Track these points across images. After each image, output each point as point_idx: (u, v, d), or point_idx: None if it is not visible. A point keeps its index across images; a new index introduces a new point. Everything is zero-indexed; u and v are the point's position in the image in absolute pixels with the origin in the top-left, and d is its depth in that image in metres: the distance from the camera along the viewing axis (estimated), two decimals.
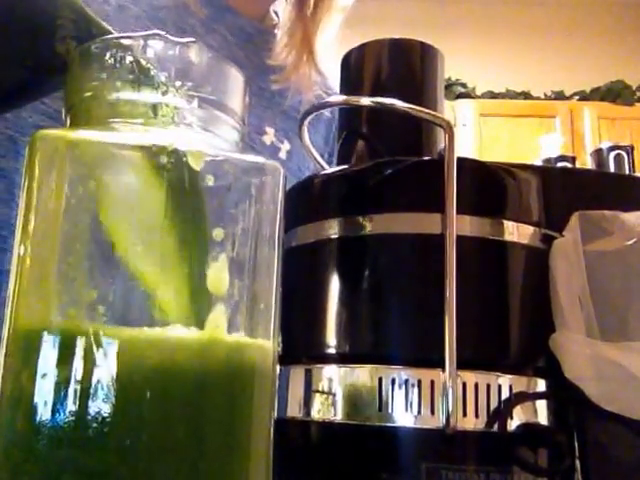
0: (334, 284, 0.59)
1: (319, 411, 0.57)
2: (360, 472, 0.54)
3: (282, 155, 1.21)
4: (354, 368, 0.56)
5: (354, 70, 0.72)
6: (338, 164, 0.69)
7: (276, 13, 1.32)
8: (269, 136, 1.21)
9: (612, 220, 0.58)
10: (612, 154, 3.23)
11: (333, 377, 0.57)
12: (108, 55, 0.44)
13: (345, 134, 0.70)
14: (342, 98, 0.73)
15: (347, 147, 0.70)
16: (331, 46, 1.29)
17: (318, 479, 0.56)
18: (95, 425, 0.37)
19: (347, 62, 0.73)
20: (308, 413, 0.58)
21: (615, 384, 0.54)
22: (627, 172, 3.11)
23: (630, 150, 3.26)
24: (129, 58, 0.44)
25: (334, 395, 0.57)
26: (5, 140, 1.07)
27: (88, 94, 0.45)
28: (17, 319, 0.40)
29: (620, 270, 0.57)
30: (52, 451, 0.37)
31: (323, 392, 0.57)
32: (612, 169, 3.15)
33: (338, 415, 0.56)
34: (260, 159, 0.46)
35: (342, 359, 0.58)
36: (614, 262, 0.57)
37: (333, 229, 0.59)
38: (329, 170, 0.69)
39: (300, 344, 0.61)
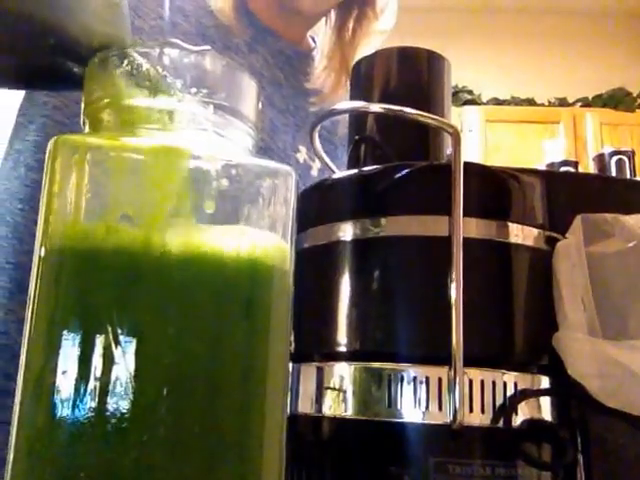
0: (345, 284, 0.59)
1: (330, 407, 0.57)
2: (370, 466, 0.54)
3: (314, 172, 1.22)
4: (364, 366, 0.56)
5: (364, 78, 0.72)
6: (349, 168, 0.69)
7: (313, 39, 1.33)
8: (302, 154, 1.22)
9: (613, 223, 0.57)
10: (614, 159, 3.22)
11: (344, 374, 0.57)
12: (125, 62, 0.44)
13: (355, 139, 0.70)
14: (353, 105, 0.73)
15: (357, 152, 0.70)
16: None
17: (329, 473, 0.56)
18: (114, 420, 0.37)
19: (357, 70, 0.73)
20: (320, 409, 0.58)
21: (616, 381, 0.53)
22: (628, 176, 3.10)
23: (631, 155, 3.25)
24: (146, 65, 0.44)
25: (345, 392, 0.57)
26: None
27: (106, 100, 0.45)
28: (37, 318, 0.40)
29: (621, 271, 0.57)
30: (71, 446, 0.37)
31: (334, 389, 0.57)
32: (614, 173, 3.13)
33: (349, 411, 0.56)
34: (272, 163, 0.46)
35: (353, 357, 0.58)
36: (615, 263, 0.57)
37: (344, 231, 0.59)
38: (340, 174, 0.69)
39: (312, 343, 0.61)
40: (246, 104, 0.47)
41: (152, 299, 0.39)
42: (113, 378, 0.37)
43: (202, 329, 0.40)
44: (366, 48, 1.25)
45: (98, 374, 0.37)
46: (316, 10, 1.18)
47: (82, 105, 0.47)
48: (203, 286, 0.41)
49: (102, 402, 0.37)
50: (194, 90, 0.44)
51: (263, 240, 0.43)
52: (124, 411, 0.37)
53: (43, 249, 0.41)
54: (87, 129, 0.47)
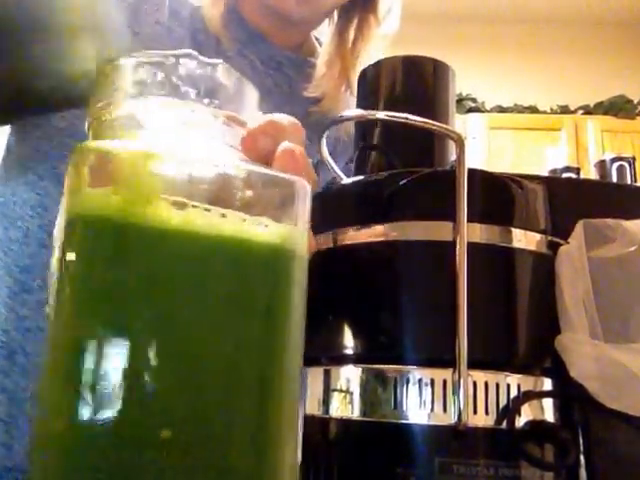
0: (351, 289, 0.59)
1: (337, 409, 0.57)
2: (376, 466, 0.54)
3: None
4: (370, 368, 0.57)
5: (370, 86, 0.72)
6: (355, 175, 0.70)
7: (318, 40, 1.31)
8: None
9: (615, 228, 0.57)
10: (615, 165, 3.22)
11: (351, 377, 0.57)
12: (141, 71, 0.44)
13: (361, 147, 0.71)
14: (359, 112, 0.73)
15: (363, 159, 0.70)
16: None
17: (337, 473, 0.57)
18: (138, 420, 0.37)
19: (363, 78, 0.73)
20: (327, 411, 0.58)
21: (618, 383, 0.53)
22: (629, 182, 3.10)
23: (632, 161, 3.25)
24: (160, 75, 0.44)
25: (352, 394, 0.57)
26: None
27: (115, 108, 0.45)
28: (60, 320, 0.39)
29: (622, 275, 0.57)
30: (93, 447, 0.37)
31: (341, 391, 0.57)
32: (615, 179, 3.13)
33: (355, 413, 0.56)
34: (285, 175, 0.45)
35: (359, 360, 0.58)
36: (616, 268, 0.57)
37: (350, 237, 0.59)
38: (346, 181, 0.69)
39: (319, 346, 0.61)
40: (251, 116, 0.47)
41: (171, 295, 0.39)
42: (136, 377, 0.37)
43: (225, 324, 0.40)
44: (368, 54, 1.23)
45: (121, 373, 0.37)
46: (305, 16, 1.16)
47: (89, 112, 0.47)
48: (228, 277, 0.41)
49: (128, 401, 0.37)
50: (207, 101, 0.44)
51: (286, 230, 0.43)
52: (147, 410, 0.37)
53: (68, 255, 0.40)
54: (91, 137, 0.46)
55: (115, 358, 0.37)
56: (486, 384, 0.54)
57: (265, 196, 0.43)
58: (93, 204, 0.39)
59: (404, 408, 0.54)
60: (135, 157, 0.40)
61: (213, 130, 0.45)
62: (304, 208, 0.45)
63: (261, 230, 0.42)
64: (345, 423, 0.57)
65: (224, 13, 1.15)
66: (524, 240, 0.57)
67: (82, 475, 0.37)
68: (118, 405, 0.36)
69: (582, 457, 0.54)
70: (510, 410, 0.53)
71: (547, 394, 0.56)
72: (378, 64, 0.71)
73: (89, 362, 0.37)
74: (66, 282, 0.39)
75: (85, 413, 0.36)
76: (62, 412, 0.37)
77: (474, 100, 5.20)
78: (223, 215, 0.40)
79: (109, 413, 0.36)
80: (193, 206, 0.39)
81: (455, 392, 0.53)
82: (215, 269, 0.40)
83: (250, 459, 0.40)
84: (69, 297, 0.39)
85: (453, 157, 0.59)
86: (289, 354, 0.43)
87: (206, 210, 0.40)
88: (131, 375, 0.37)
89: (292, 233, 0.44)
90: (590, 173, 4.08)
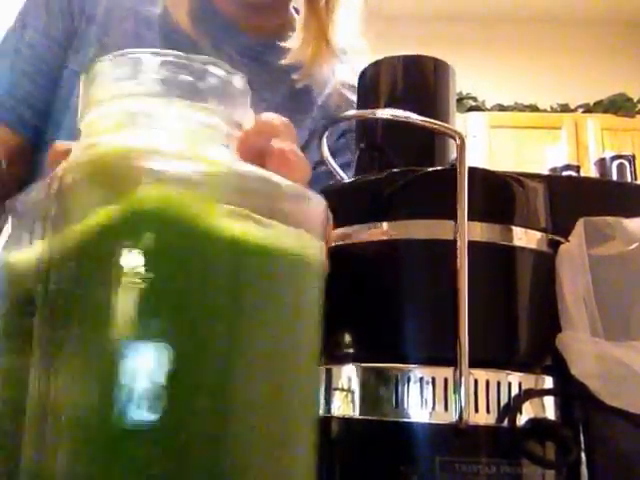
0: (352, 288, 0.59)
1: (339, 408, 0.57)
2: (378, 465, 0.54)
3: None
4: (371, 367, 0.57)
5: (370, 85, 0.72)
6: (355, 174, 0.69)
7: (297, 11, 1.28)
8: None
9: (615, 226, 0.57)
10: (615, 163, 3.23)
11: (352, 376, 0.57)
12: (164, 70, 0.43)
13: (362, 146, 0.70)
14: (359, 111, 0.73)
15: (364, 158, 0.70)
16: (359, 37, 1.26)
17: (338, 472, 0.56)
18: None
19: (363, 78, 0.73)
20: (329, 410, 0.58)
21: (618, 381, 0.53)
22: (629, 180, 3.10)
23: (632, 159, 3.25)
24: (150, 74, 0.43)
25: (353, 393, 0.57)
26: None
27: (107, 106, 0.44)
28: (93, 328, 0.39)
29: (622, 273, 0.57)
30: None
31: (343, 390, 0.57)
32: (615, 177, 3.14)
33: (357, 411, 0.56)
34: (302, 187, 0.45)
35: (360, 358, 0.58)
36: (617, 266, 0.57)
37: (350, 235, 0.59)
38: (347, 180, 0.69)
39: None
40: (245, 115, 0.47)
41: (206, 296, 0.38)
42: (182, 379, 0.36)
43: (279, 333, 0.40)
44: (344, 8, 1.21)
45: (168, 375, 0.36)
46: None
47: (79, 111, 0.46)
48: (288, 289, 0.41)
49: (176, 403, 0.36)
50: (199, 100, 0.44)
51: (309, 240, 0.43)
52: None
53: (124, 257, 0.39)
54: (83, 134, 0.46)
55: (163, 361, 0.36)
56: (487, 382, 0.54)
57: (296, 210, 0.43)
58: (158, 205, 0.38)
59: (405, 407, 0.54)
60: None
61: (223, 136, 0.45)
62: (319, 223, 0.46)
63: (311, 243, 0.43)
64: (346, 422, 0.57)
65: (196, 9, 1.15)
66: (525, 238, 0.57)
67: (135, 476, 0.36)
68: (166, 406, 0.36)
69: (583, 455, 0.54)
70: (511, 408, 0.53)
71: (548, 392, 0.56)
72: (378, 63, 0.71)
73: (142, 363, 0.36)
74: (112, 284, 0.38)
75: (136, 414, 0.36)
76: (108, 415, 0.37)
77: (474, 99, 5.20)
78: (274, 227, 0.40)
79: (155, 415, 0.36)
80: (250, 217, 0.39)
81: (456, 390, 0.53)
82: (275, 281, 0.40)
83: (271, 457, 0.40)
84: (117, 301, 0.38)
85: (454, 156, 0.59)
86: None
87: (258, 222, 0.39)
88: (177, 377, 0.36)
89: (322, 247, 0.45)
90: (590, 171, 4.08)
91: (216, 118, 0.44)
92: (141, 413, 0.36)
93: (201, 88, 0.44)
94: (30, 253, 0.40)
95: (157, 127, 0.43)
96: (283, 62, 1.19)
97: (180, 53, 0.44)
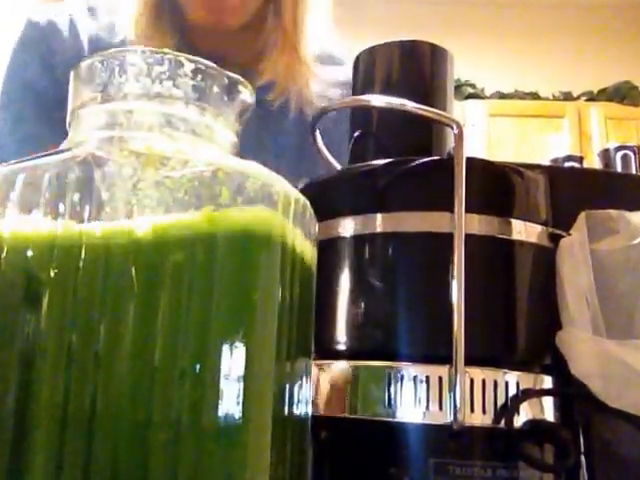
0: (345, 282, 0.59)
1: (329, 407, 0.57)
2: (368, 467, 0.54)
3: None
4: (363, 364, 0.56)
5: (365, 71, 0.72)
6: (350, 163, 0.69)
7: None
8: None
9: (618, 219, 0.57)
10: (619, 154, 3.22)
11: (342, 373, 0.57)
12: (199, 77, 0.45)
13: (356, 134, 0.70)
14: (353, 99, 0.73)
15: (358, 147, 0.70)
16: (328, 34, 1.24)
17: (327, 473, 0.56)
18: None
19: (358, 63, 0.72)
20: (318, 409, 0.58)
21: (621, 381, 0.53)
22: (634, 172, 3.10)
23: (637, 150, 3.24)
24: (140, 69, 0.44)
25: (344, 391, 0.57)
26: None
27: (94, 104, 0.45)
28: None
29: (626, 269, 0.57)
30: None
31: (332, 388, 0.57)
32: (619, 169, 3.14)
33: (347, 411, 0.56)
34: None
35: (352, 355, 0.58)
36: (620, 261, 0.57)
37: (343, 227, 0.59)
38: (340, 169, 0.69)
39: None
40: (230, 111, 0.48)
41: None
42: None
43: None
44: (312, 14, 1.19)
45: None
46: (237, 20, 1.13)
47: (69, 108, 0.47)
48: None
49: None
50: (186, 96, 0.45)
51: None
52: None
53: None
54: (72, 132, 0.46)
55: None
56: (484, 381, 0.54)
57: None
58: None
59: (398, 406, 0.54)
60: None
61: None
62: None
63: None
64: (336, 422, 0.57)
65: (173, 48, 1.14)
66: (524, 232, 0.57)
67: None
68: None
69: (583, 458, 0.54)
70: (508, 409, 0.53)
71: (547, 392, 0.56)
72: (373, 49, 0.71)
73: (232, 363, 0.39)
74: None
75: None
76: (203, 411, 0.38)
77: (473, 86, 5.19)
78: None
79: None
80: None
81: (451, 390, 0.52)
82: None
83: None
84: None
85: (451, 145, 0.59)
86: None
87: None
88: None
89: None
90: (593, 162, 4.07)
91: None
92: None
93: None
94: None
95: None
96: (257, 79, 1.15)
97: (176, 53, 0.45)
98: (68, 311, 0.38)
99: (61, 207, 0.39)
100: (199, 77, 0.45)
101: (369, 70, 0.72)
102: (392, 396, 0.54)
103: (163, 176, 0.40)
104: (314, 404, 0.58)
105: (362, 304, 0.58)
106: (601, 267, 0.57)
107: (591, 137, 4.86)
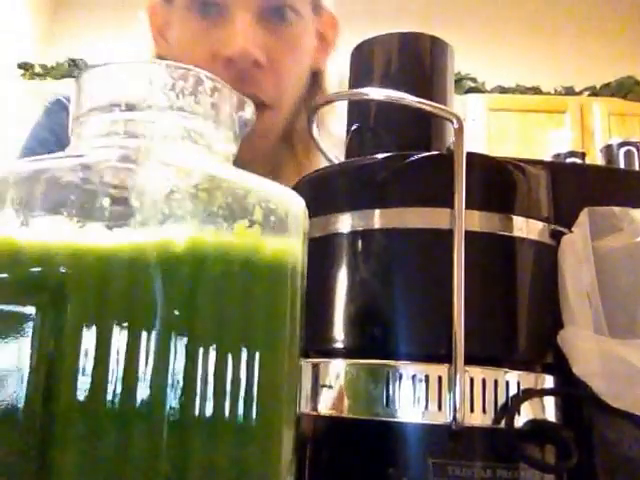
0: (342, 278, 0.59)
1: (326, 406, 0.57)
2: (367, 467, 0.54)
3: None
4: (361, 363, 0.56)
5: (363, 64, 0.72)
6: (347, 158, 0.69)
7: None
8: None
9: (621, 216, 0.57)
10: (622, 150, 3.22)
11: (340, 372, 0.57)
12: (116, 79, 0.46)
13: (354, 128, 0.70)
14: (351, 91, 0.73)
15: (356, 141, 0.70)
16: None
17: (325, 473, 0.56)
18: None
19: (356, 55, 0.72)
20: (315, 408, 0.58)
21: (623, 381, 0.53)
22: (637, 168, 3.10)
23: None
24: (164, 83, 0.45)
25: (341, 390, 0.57)
26: None
27: (94, 114, 0.46)
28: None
29: (629, 266, 0.57)
30: None
31: (330, 387, 0.57)
32: (622, 165, 3.13)
33: (345, 410, 0.56)
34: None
35: (349, 354, 0.58)
36: (623, 258, 0.57)
37: (341, 223, 0.59)
38: (338, 164, 0.69)
39: (308, 338, 0.61)
40: (227, 121, 0.49)
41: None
42: None
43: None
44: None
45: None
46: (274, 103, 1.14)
47: (71, 118, 0.48)
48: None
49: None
50: (185, 106, 0.46)
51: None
52: None
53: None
54: (74, 140, 0.47)
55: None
56: (484, 381, 0.54)
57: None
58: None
59: (396, 406, 0.54)
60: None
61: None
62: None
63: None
64: (334, 421, 0.57)
65: None
66: (525, 229, 0.57)
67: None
68: None
69: (585, 459, 0.54)
70: (509, 409, 0.53)
71: (548, 392, 0.56)
72: (372, 40, 0.71)
73: None
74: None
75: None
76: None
77: (474, 80, 5.19)
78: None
79: None
80: None
81: (451, 389, 0.53)
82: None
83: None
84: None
85: (451, 140, 0.59)
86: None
87: None
88: None
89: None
90: (596, 158, 4.08)
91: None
92: None
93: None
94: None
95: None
96: None
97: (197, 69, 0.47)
98: (91, 316, 0.39)
99: (87, 211, 0.40)
100: (216, 95, 0.47)
101: (367, 62, 0.71)
102: (390, 395, 0.54)
103: (199, 189, 0.41)
104: (312, 404, 0.58)
105: (360, 301, 0.58)
106: (604, 265, 0.57)
107: (593, 133, 4.86)
